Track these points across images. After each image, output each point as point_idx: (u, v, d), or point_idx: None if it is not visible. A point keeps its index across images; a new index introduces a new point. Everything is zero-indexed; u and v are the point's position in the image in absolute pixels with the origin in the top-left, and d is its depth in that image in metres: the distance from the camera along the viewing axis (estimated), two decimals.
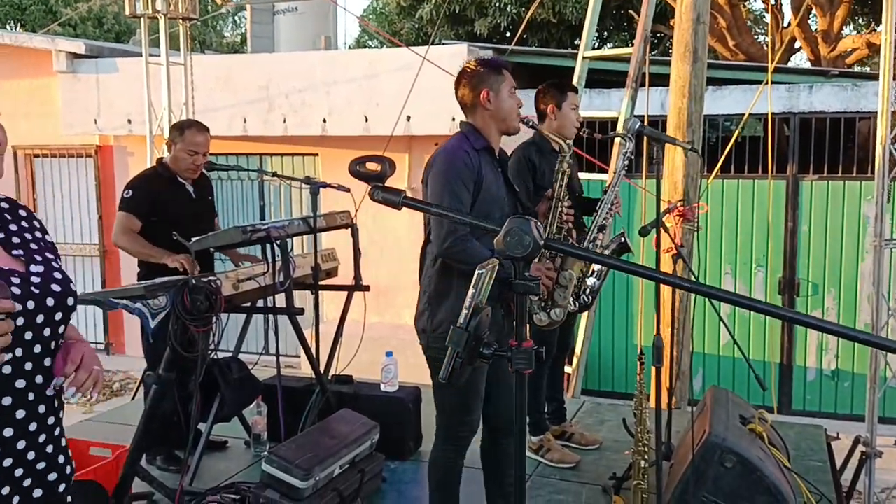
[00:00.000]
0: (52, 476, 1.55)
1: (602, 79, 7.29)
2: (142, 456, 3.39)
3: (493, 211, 2.81)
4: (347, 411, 3.74)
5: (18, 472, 1.46)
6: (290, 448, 3.26)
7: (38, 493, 1.50)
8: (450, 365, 1.28)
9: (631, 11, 11.42)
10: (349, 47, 18.34)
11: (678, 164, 5.16)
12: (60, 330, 1.55)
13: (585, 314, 5.77)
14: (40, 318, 1.49)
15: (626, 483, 3.50)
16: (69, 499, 1.61)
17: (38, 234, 1.64)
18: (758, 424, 3.28)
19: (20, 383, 1.46)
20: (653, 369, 3.13)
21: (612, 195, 3.75)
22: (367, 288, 4.11)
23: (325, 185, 3.87)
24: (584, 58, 5.90)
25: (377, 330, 7.11)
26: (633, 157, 3.89)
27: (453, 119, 6.52)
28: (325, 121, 7.68)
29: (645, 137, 3.44)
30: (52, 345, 1.53)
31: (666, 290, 4.80)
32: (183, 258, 3.53)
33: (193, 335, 3.14)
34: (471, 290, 1.28)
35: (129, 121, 8.15)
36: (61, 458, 1.58)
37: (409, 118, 6.99)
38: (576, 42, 11.71)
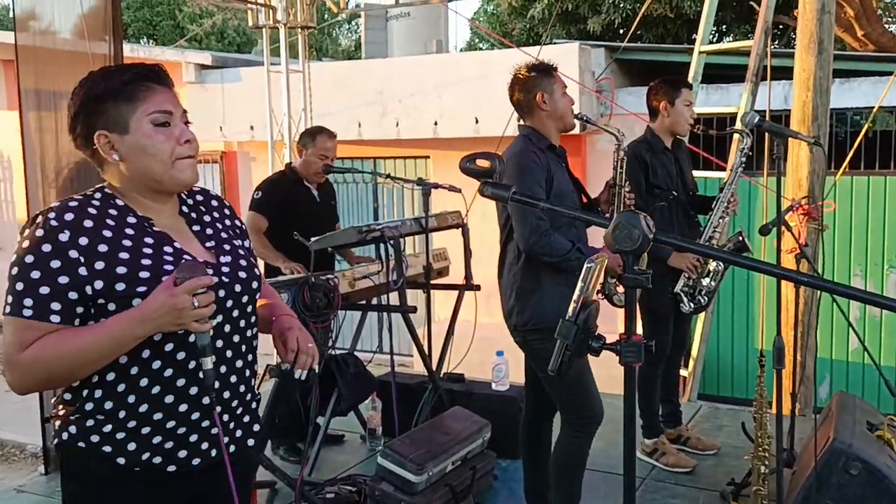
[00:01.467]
0: (250, 442, 1.76)
1: (720, 73, 7.05)
2: (264, 446, 3.55)
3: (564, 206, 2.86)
4: (460, 409, 3.79)
5: (214, 431, 1.64)
6: (405, 443, 3.34)
7: (232, 448, 1.69)
8: (559, 358, 1.30)
9: (752, 2, 10.99)
10: (460, 50, 18.51)
11: (802, 161, 4.94)
12: (248, 310, 1.71)
13: (702, 315, 5.62)
14: (230, 304, 1.66)
15: (744, 489, 3.39)
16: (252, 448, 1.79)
17: (227, 221, 1.80)
18: (887, 431, 3.11)
19: (223, 368, 1.64)
20: (774, 372, 3.01)
21: (728, 193, 3.65)
22: (477, 287, 4.16)
23: (436, 186, 3.94)
24: (700, 52, 5.74)
25: (487, 330, 7.12)
26: (751, 153, 3.76)
27: None
28: (436, 123, 7.80)
29: (766, 133, 3.32)
30: (242, 323, 1.69)
31: (789, 292, 4.61)
32: (297, 266, 3.72)
33: (312, 331, 3.27)
34: (579, 284, 1.30)
35: (252, 127, 8.54)
36: (255, 427, 1.78)
37: (519, 118, 6.99)
38: (693, 37, 11.37)
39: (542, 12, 12.52)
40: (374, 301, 3.93)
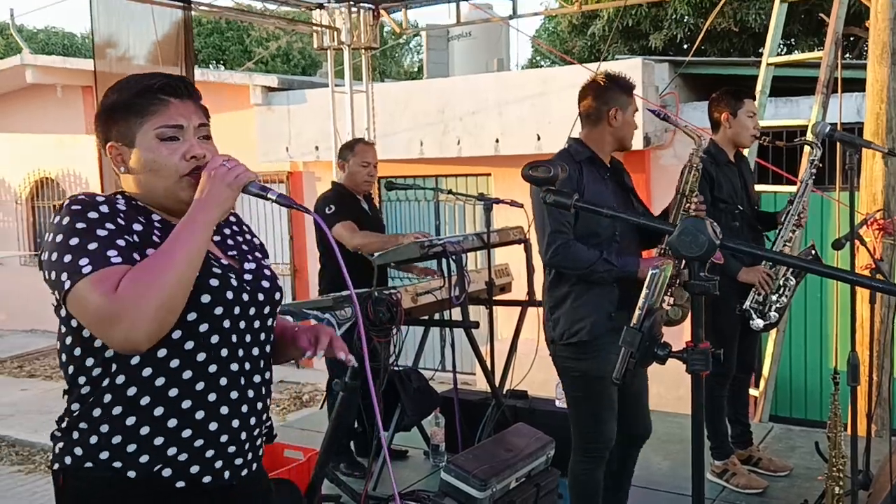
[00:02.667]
0: (260, 452, 1.70)
1: (789, 86, 6.90)
2: (330, 460, 3.58)
3: (597, 220, 2.82)
4: (523, 425, 3.76)
5: (231, 449, 1.59)
6: (468, 458, 3.33)
7: (238, 461, 1.61)
8: (623, 365, 1.28)
9: (821, 15, 10.74)
10: (521, 69, 18.55)
11: (877, 174, 4.79)
12: (269, 322, 1.68)
13: (773, 334, 5.46)
14: (252, 311, 1.62)
15: None
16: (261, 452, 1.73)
17: (247, 236, 1.78)
18: None
19: (234, 366, 1.59)
20: (849, 390, 2.91)
21: (799, 205, 3.56)
22: (540, 303, 4.12)
23: (497, 202, 3.95)
24: (768, 64, 5.62)
25: None
26: (821, 165, 3.66)
27: None
28: (497, 141, 7.81)
29: (837, 145, 3.24)
30: (261, 336, 1.66)
31: (864, 309, 4.44)
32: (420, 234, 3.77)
33: (376, 345, 3.30)
34: (644, 290, 1.28)
35: (317, 147, 8.70)
36: (266, 436, 1.73)
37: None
38: (759, 50, 11.15)
39: (603, 29, 12.46)
40: (437, 317, 3.95)
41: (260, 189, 1.53)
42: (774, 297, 3.55)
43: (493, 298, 4.02)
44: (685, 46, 11.77)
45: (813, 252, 3.54)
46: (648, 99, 6.98)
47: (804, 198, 3.59)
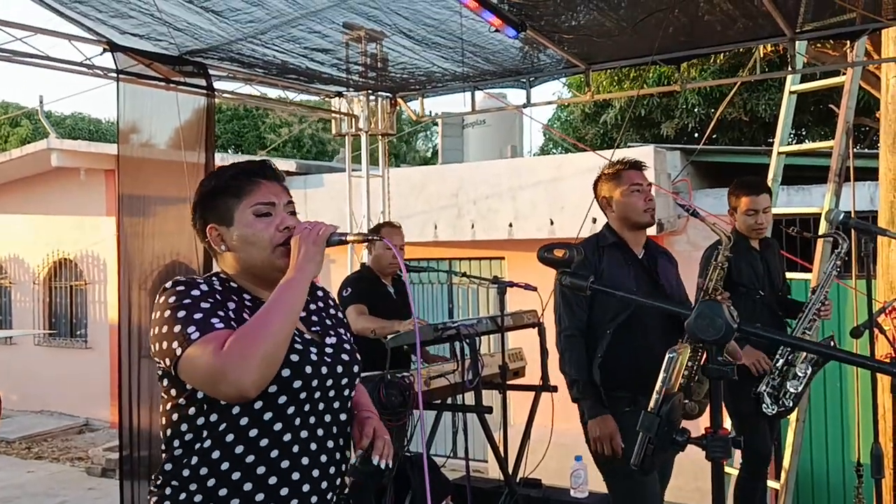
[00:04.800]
0: None
1: (800, 175, 6.95)
2: None
3: (614, 307, 2.88)
4: None
5: None
6: None
7: None
8: (641, 451, 1.25)
9: (831, 105, 10.91)
10: (534, 156, 18.86)
11: (893, 262, 4.77)
12: (346, 393, 1.78)
13: (793, 424, 5.34)
14: (329, 382, 1.73)
15: None
16: None
17: (331, 311, 1.90)
18: None
19: (304, 433, 1.68)
20: (872, 483, 2.82)
21: (820, 295, 3.54)
22: (554, 388, 4.07)
23: (511, 285, 3.95)
24: (779, 153, 5.68)
25: (565, 436, 6.92)
26: (847, 257, 3.66)
27: None
28: (511, 225, 7.87)
29: (853, 232, 3.24)
30: (337, 405, 1.75)
31: (886, 399, 4.35)
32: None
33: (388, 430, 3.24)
34: (661, 375, 1.26)
35: None
36: None
37: (594, 220, 6.99)
38: (769, 140, 11.31)
39: (615, 118, 12.71)
40: (450, 401, 3.89)
41: (339, 237, 1.72)
42: (790, 385, 3.50)
43: (507, 383, 3.97)
44: (696, 135, 11.96)
45: (832, 343, 3.51)
46: (661, 185, 7.05)
47: (826, 289, 3.57)
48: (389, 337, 3.53)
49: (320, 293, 1.91)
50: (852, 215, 4.56)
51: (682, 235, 7.44)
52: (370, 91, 6.17)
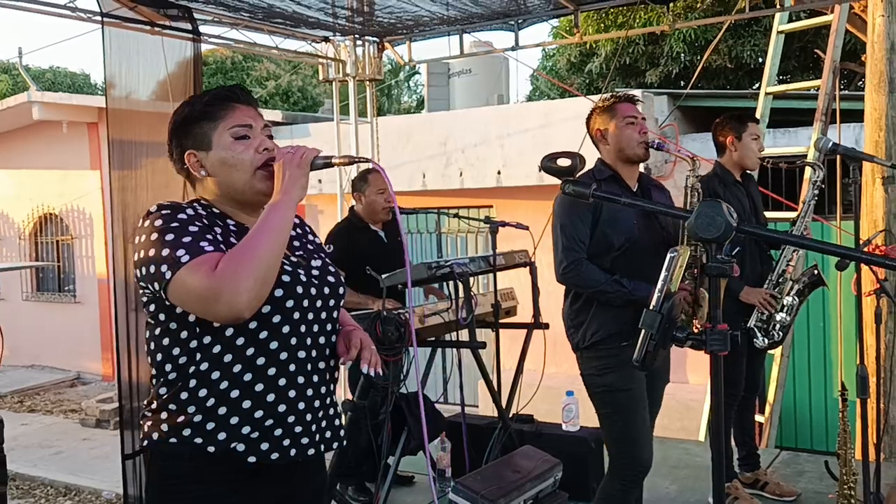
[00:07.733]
0: (328, 434, 1.81)
1: (786, 119, 6.99)
2: (338, 482, 3.57)
3: (614, 236, 2.89)
4: (530, 448, 3.74)
5: (297, 430, 1.72)
6: (476, 479, 3.31)
7: (304, 440, 1.75)
8: (643, 347, 1.29)
9: (817, 51, 10.90)
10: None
11: (877, 201, 4.85)
12: (334, 314, 1.83)
13: (777, 360, 5.47)
14: (319, 303, 1.77)
15: None
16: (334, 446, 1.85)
17: (310, 237, 1.94)
18: None
19: (301, 353, 1.73)
20: (857, 407, 2.91)
21: (801, 226, 3.60)
22: (546, 325, 4.15)
23: (503, 224, 3.98)
24: (766, 93, 5.71)
25: (554, 380, 7.04)
26: (823, 186, 3.71)
27: None
28: (499, 172, 7.89)
29: (837, 174, 3.29)
30: (326, 326, 1.80)
31: (869, 336, 4.46)
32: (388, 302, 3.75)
33: (384, 365, 3.30)
34: (662, 273, 1.31)
35: (320, 181, 8.76)
36: (336, 421, 1.84)
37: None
38: (755, 86, 11.31)
39: (600, 66, 12.64)
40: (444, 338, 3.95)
41: (324, 160, 1.71)
42: (779, 317, 3.57)
43: (500, 321, 4.03)
44: (681, 83, 11.93)
45: (816, 272, 3.58)
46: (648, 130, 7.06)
47: (806, 219, 3.63)
48: (385, 276, 3.56)
49: (297, 220, 1.92)
50: (837, 158, 4.61)
51: (670, 180, 7.48)
52: (357, 36, 6.11)
